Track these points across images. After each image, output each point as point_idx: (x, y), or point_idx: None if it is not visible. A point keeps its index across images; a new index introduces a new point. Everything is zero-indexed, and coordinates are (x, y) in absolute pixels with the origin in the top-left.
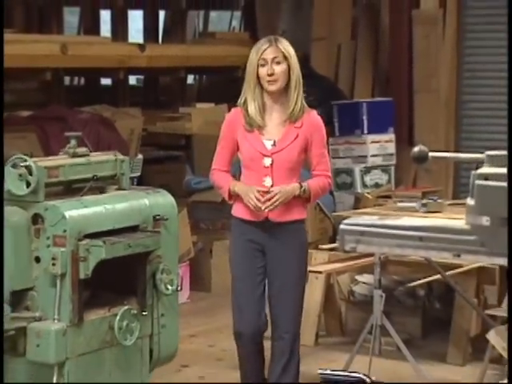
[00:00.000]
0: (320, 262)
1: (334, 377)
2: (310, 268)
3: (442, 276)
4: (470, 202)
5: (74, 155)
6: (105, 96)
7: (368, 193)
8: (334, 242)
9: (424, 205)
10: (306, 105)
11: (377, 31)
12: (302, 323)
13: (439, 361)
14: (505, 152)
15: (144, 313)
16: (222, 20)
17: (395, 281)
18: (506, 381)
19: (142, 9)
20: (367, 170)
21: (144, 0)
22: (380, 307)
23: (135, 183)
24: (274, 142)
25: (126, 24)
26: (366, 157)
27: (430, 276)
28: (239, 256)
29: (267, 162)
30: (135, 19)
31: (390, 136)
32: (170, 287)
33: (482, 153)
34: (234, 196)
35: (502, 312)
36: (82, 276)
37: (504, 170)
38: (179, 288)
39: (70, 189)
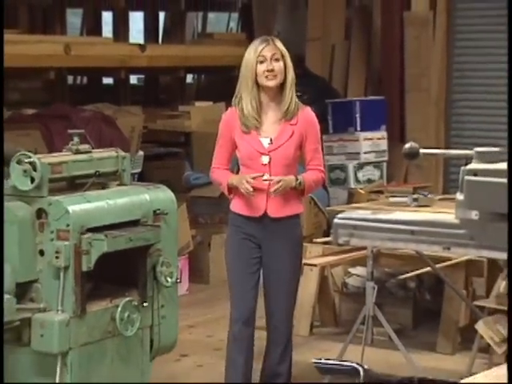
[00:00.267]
0: (314, 255)
1: (328, 365)
2: (304, 261)
3: (432, 268)
4: (460, 196)
5: (77, 152)
6: (107, 95)
7: (361, 188)
8: (328, 236)
9: (415, 200)
10: (299, 102)
11: (369, 32)
12: (297, 314)
13: (429, 350)
14: (493, 148)
15: (145, 304)
16: (220, 21)
17: (387, 273)
18: (494, 369)
19: (142, 10)
20: (360, 166)
21: (144, 2)
22: (372, 299)
23: (136, 179)
24: (271, 139)
25: (127, 25)
26: (359, 153)
27: (420, 268)
28: (235, 248)
29: (265, 159)
30: (136, 20)
31: (382, 133)
32: (169, 279)
33: (470, 149)
34: (234, 190)
35: (490, 303)
36: (84, 269)
37: (492, 166)
38: (179, 280)
39: (73, 184)
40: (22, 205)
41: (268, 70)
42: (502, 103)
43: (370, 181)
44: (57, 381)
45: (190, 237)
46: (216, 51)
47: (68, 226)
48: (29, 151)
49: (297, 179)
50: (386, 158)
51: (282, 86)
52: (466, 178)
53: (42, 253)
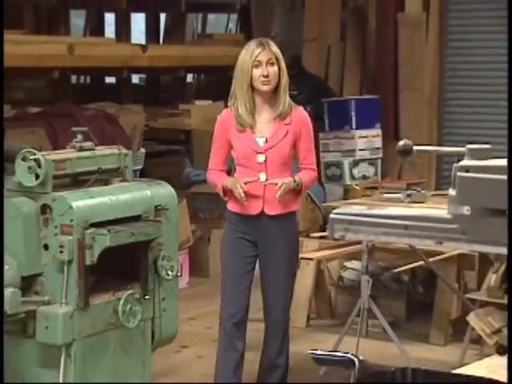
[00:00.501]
0: (311, 250)
1: (324, 356)
2: (301, 255)
3: (425, 262)
4: (452, 192)
5: (81, 149)
6: (109, 94)
7: (356, 184)
8: (324, 231)
9: (408, 195)
10: (292, 102)
11: (364, 33)
12: (294, 307)
13: (422, 341)
14: (484, 145)
15: (146, 297)
16: (219, 22)
17: (381, 267)
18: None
19: (144, 12)
20: (355, 163)
21: (146, 3)
22: (367, 291)
23: (138, 175)
24: (266, 139)
25: (129, 26)
26: (354, 151)
27: (413, 262)
28: (230, 247)
29: (261, 158)
30: (138, 21)
31: (377, 131)
32: (170, 273)
33: (462, 146)
34: (228, 192)
35: (481, 296)
36: (87, 262)
37: (483, 163)
38: (179, 274)
39: (77, 181)
40: (26, 200)
41: (263, 76)
42: (493, 102)
43: (364, 177)
44: (61, 371)
45: (190, 232)
46: (215, 51)
47: (72, 221)
48: (34, 148)
49: (294, 180)
50: (380, 155)
51: (276, 88)
52: (458, 174)
53: (46, 247)
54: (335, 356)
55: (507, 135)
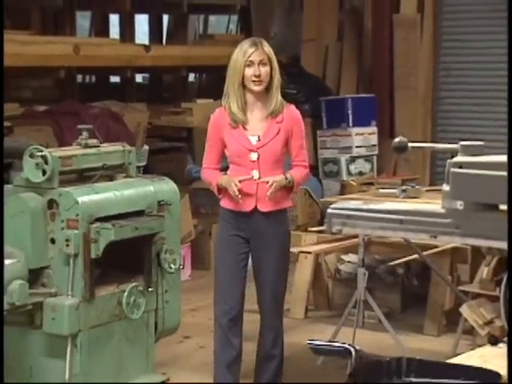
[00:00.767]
0: (309, 243)
1: (322, 347)
2: (299, 249)
3: (420, 255)
4: (446, 187)
5: (86, 146)
6: (114, 92)
7: (353, 180)
8: (321, 225)
9: (403, 191)
10: (284, 100)
11: (361, 34)
12: (292, 298)
13: (416, 332)
14: (477, 142)
15: (149, 289)
16: (220, 23)
17: (377, 260)
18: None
19: (147, 13)
20: (352, 160)
21: (149, 5)
22: (363, 284)
23: (141, 172)
24: (259, 137)
25: (133, 27)
26: (351, 147)
27: (408, 255)
28: (224, 244)
29: (254, 156)
30: (141, 22)
31: (373, 129)
32: (173, 266)
33: (456, 143)
34: (223, 190)
35: (474, 288)
36: (93, 256)
37: (476, 159)
38: (181, 267)
39: (82, 176)
40: (34, 196)
41: (255, 75)
42: (485, 100)
43: (361, 173)
44: (67, 360)
45: (192, 226)
46: (216, 51)
47: (77, 215)
48: (41, 145)
49: (286, 178)
50: (376, 152)
51: (268, 87)
52: (452, 170)
53: (53, 241)
54: (332, 346)
55: (507, 134)
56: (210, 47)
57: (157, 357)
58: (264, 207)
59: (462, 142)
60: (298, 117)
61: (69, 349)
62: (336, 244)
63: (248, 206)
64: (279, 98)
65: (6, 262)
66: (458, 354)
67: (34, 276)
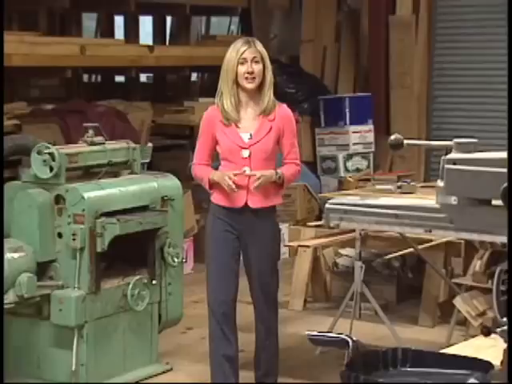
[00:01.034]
0: (308, 238)
1: (320, 337)
2: (298, 242)
3: (415, 249)
4: (440, 183)
5: (92, 143)
6: (119, 91)
7: (350, 176)
8: (320, 220)
9: (399, 187)
10: (276, 99)
11: (358, 34)
12: (291, 291)
13: (412, 323)
14: (470, 140)
15: (153, 282)
16: (222, 25)
17: (373, 253)
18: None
19: (151, 15)
20: (349, 157)
21: (153, 7)
22: (360, 277)
23: (145, 168)
24: (251, 134)
25: (138, 28)
26: (348, 145)
27: (404, 249)
28: (215, 240)
29: (245, 153)
30: (145, 24)
31: (370, 127)
32: (176, 259)
33: (450, 141)
34: (215, 185)
35: (467, 280)
36: (98, 250)
37: (470, 156)
38: (184, 260)
39: (88, 173)
40: (41, 191)
41: (248, 72)
42: (479, 99)
43: (358, 170)
44: (74, 351)
45: (194, 221)
46: (218, 52)
47: (83, 210)
48: (48, 143)
49: (277, 173)
50: (372, 149)
51: (260, 86)
52: (446, 166)
53: (60, 235)
54: (330, 337)
55: (507, 132)
56: (211, 48)
57: (160, 347)
58: (254, 203)
59: (455, 140)
60: (289, 115)
61: (75, 339)
62: (334, 238)
63: (239, 201)
64: (271, 96)
65: (15, 255)
66: (452, 345)
67: (42, 269)
